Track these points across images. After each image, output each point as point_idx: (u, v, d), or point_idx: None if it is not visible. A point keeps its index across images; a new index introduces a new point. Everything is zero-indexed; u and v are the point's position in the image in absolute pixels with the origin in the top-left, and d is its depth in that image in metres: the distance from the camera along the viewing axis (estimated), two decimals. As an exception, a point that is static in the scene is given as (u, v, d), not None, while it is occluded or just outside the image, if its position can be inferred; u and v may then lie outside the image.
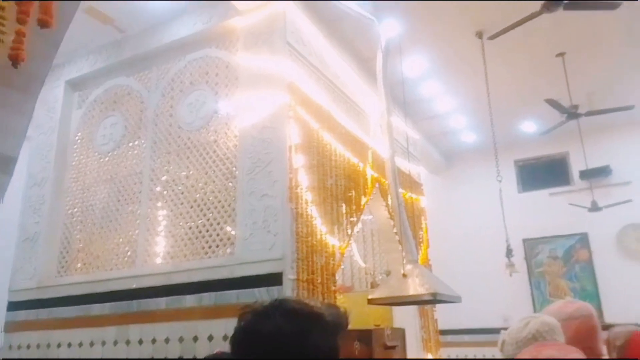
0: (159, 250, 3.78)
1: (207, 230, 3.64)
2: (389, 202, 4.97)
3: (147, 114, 4.24)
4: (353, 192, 4.38)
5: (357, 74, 4.93)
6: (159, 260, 3.75)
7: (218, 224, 3.62)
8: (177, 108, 4.08)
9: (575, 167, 6.72)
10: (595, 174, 6.38)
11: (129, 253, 3.88)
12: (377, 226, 5.57)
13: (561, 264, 6.67)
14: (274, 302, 0.99)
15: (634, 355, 1.95)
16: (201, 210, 3.71)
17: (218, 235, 3.60)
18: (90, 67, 4.63)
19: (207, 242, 3.61)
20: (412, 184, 5.81)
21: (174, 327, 3.32)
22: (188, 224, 3.73)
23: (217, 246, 3.56)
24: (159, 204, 3.93)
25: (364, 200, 4.55)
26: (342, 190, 4.19)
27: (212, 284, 3.24)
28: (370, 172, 4.75)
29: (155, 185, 3.98)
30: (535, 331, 1.36)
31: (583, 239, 6.60)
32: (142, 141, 4.18)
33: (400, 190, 4.92)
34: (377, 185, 4.88)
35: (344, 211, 4.17)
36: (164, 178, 3.96)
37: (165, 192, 3.94)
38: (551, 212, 6.67)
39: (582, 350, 1.71)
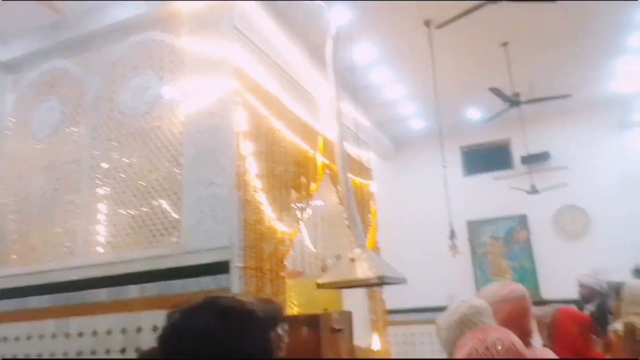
0: (100, 240, 3.66)
1: (152, 219, 3.55)
2: (339, 188, 5.03)
3: (87, 99, 4.05)
4: (303, 178, 4.39)
5: (308, 60, 4.90)
6: (100, 250, 3.63)
7: (163, 212, 3.54)
8: (120, 93, 3.92)
9: (517, 152, 7.02)
10: (535, 159, 6.69)
11: (68, 244, 3.74)
12: (328, 212, 5.62)
13: (502, 245, 7.00)
14: (204, 301, 0.97)
15: (560, 329, 2.09)
16: (145, 199, 3.61)
17: (163, 224, 3.52)
18: (25, 48, 4.36)
19: (150, 231, 3.52)
20: (362, 170, 5.89)
21: (116, 319, 3.24)
22: (131, 212, 3.63)
23: (162, 235, 3.49)
24: (100, 192, 3.79)
25: (313, 186, 4.57)
26: (291, 176, 4.18)
27: (157, 273, 3.18)
28: (320, 159, 4.77)
29: (96, 173, 3.83)
30: (463, 315, 1.42)
31: (522, 221, 6.93)
32: (82, 127, 4.00)
33: (350, 175, 4.97)
34: (327, 171, 4.91)
35: (293, 197, 4.18)
36: (105, 165, 3.81)
37: (106, 180, 3.80)
38: (494, 195, 6.96)
39: (514, 330, 1.81)
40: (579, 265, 4.64)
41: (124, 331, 3.21)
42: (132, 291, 3.29)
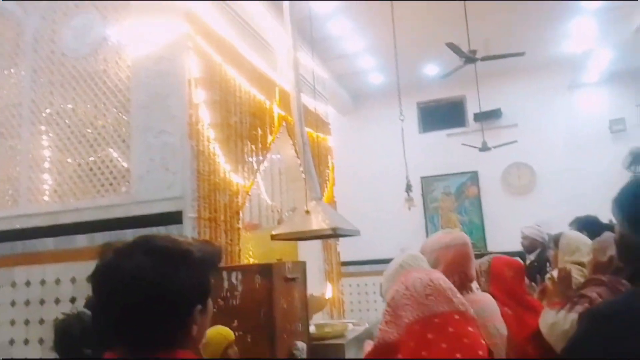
0: (45, 188, 3.50)
1: (99, 168, 3.42)
2: (296, 141, 4.99)
3: (25, 39, 3.76)
4: (259, 130, 4.32)
5: (265, 7, 4.72)
6: (45, 199, 3.48)
7: (111, 161, 3.41)
8: (60, 33, 3.65)
9: (471, 109, 7.16)
10: (487, 117, 6.85)
11: (10, 192, 3.56)
12: (285, 165, 5.61)
13: (453, 200, 7.24)
14: (137, 240, 0.95)
15: (495, 274, 2.21)
16: (91, 146, 3.46)
17: (111, 173, 3.40)
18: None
19: (99, 180, 3.40)
20: (319, 123, 5.86)
21: (65, 268, 3.16)
22: (77, 161, 3.47)
23: (111, 184, 3.37)
24: (43, 139, 3.60)
25: (270, 138, 4.51)
26: (247, 127, 4.11)
27: (106, 223, 3.10)
28: (277, 110, 4.69)
29: (38, 118, 3.62)
30: (402, 261, 1.47)
31: (473, 177, 7.17)
32: (20, 69, 3.73)
33: (307, 129, 4.94)
34: (284, 123, 4.85)
35: (249, 149, 4.12)
36: (47, 110, 3.61)
37: (50, 126, 3.60)
38: (447, 152, 7.12)
39: (456, 275, 1.90)
40: (525, 220, 4.87)
41: (73, 280, 3.14)
42: (81, 240, 3.20)
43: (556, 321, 1.96)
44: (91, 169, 3.44)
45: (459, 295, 1.21)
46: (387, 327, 1.17)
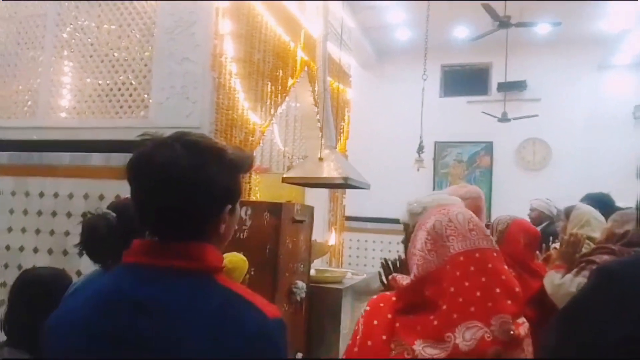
0: (63, 104, 3.51)
1: (119, 89, 3.40)
2: (316, 89, 4.93)
3: (54, -52, 3.67)
4: (280, 71, 4.26)
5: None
6: (63, 115, 3.49)
7: (131, 84, 3.39)
8: (90, -54, 3.56)
9: (495, 78, 7.01)
10: (512, 87, 6.71)
11: (29, 103, 3.56)
12: (301, 113, 5.56)
13: (464, 168, 7.21)
14: (174, 134, 0.95)
15: (509, 237, 2.19)
16: (113, 67, 3.43)
17: (131, 95, 3.38)
18: None
19: (118, 101, 3.39)
20: (341, 74, 5.76)
21: (79, 184, 3.21)
22: (98, 80, 3.46)
23: (130, 107, 3.37)
24: (65, 54, 3.57)
25: (290, 82, 4.46)
26: (269, 67, 4.05)
27: (122, 144, 3.09)
28: (300, 54, 4.60)
29: (62, 32, 3.58)
30: (432, 198, 1.47)
31: (488, 147, 7.10)
32: (47, -22, 3.66)
33: (328, 78, 4.87)
34: (306, 68, 4.77)
35: (269, 90, 4.08)
36: (71, 25, 3.56)
37: (72, 42, 3.56)
38: (465, 119, 7.02)
39: None
40: (534, 196, 4.83)
41: (86, 196, 3.19)
42: (97, 159, 3.22)
43: (563, 283, 1.99)
44: (111, 89, 3.43)
45: (490, 236, 1.22)
46: (429, 255, 1.17)
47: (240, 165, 0.99)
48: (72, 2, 3.56)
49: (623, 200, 3.68)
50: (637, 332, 0.96)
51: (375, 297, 1.27)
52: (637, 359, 0.95)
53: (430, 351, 1.06)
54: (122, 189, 3.29)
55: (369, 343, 1.14)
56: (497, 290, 1.10)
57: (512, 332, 1.07)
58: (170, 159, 0.88)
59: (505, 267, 1.16)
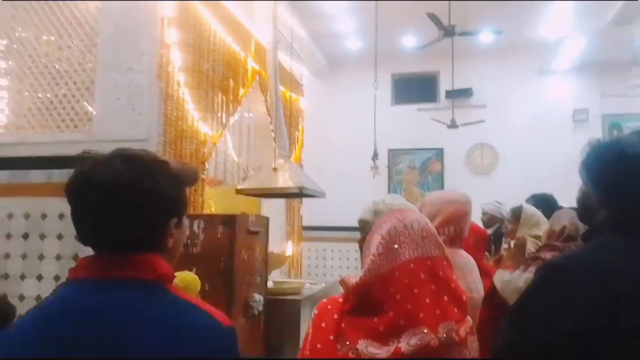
0: (0, 118, 3.32)
1: (61, 102, 3.25)
2: (268, 98, 4.91)
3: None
4: (231, 81, 4.22)
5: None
6: (0, 131, 3.30)
7: (74, 96, 3.25)
8: (26, -46, 3.41)
9: (443, 86, 7.22)
10: (459, 95, 6.92)
11: (-38, 119, 3.36)
12: (255, 122, 5.52)
13: (417, 174, 7.36)
14: (115, 150, 0.94)
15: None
16: (53, 79, 3.28)
17: (73, 108, 3.24)
18: None
19: (59, 114, 3.24)
20: (293, 83, 5.77)
21: (18, 203, 3.03)
22: (37, 93, 3.30)
23: (72, 120, 3.23)
24: (2, 66, 3.39)
25: (242, 91, 4.42)
26: (219, 77, 4.00)
27: (65, 160, 2.95)
28: (251, 63, 4.58)
29: (-3, 44, 3.40)
30: (383, 202, 1.48)
31: (439, 153, 7.29)
32: (-21, -11, 3.46)
33: (280, 87, 4.86)
34: (257, 78, 4.75)
35: (220, 100, 4.02)
36: (7, 37, 3.38)
37: (9, 54, 3.38)
38: (416, 126, 7.19)
39: (452, 227, 1.92)
40: (485, 198, 4.98)
41: (26, 215, 3.01)
42: (37, 176, 3.05)
43: (511, 279, 2.06)
44: (52, 102, 3.27)
45: (442, 244, 1.24)
46: (379, 259, 1.18)
47: (184, 178, 0.99)
48: (8, 11, 3.39)
49: (565, 201, 3.86)
50: (585, 321, 1.00)
51: (324, 300, 1.28)
52: (587, 347, 0.99)
53: (373, 350, 1.08)
54: (66, 207, 3.11)
55: (319, 346, 1.16)
56: (446, 298, 1.13)
57: (456, 339, 1.10)
58: (111, 175, 0.88)
59: (454, 275, 1.19)
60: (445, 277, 1.16)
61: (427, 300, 1.11)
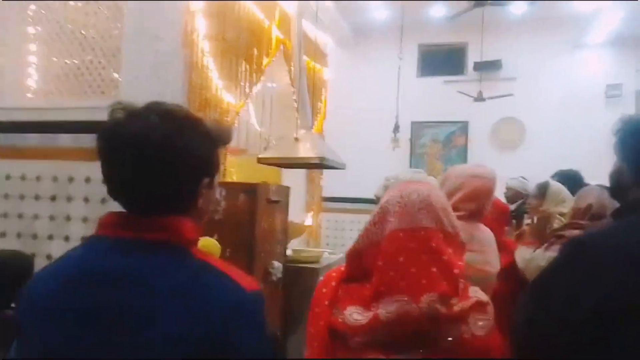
0: (29, 84, 3.38)
1: (88, 69, 3.30)
2: (292, 68, 4.87)
3: None
4: (255, 50, 4.19)
5: None
6: (29, 95, 3.37)
7: (100, 63, 3.29)
8: None
9: (471, 58, 7.02)
10: (487, 67, 6.74)
11: (-5, 84, 3.44)
12: (278, 93, 5.49)
13: (440, 148, 7.26)
14: (149, 103, 0.91)
15: None
16: (80, 45, 3.31)
17: (100, 75, 3.29)
18: None
19: (87, 81, 3.29)
20: (318, 53, 5.70)
21: (47, 166, 3.12)
22: (66, 60, 3.34)
23: (99, 86, 3.28)
24: (31, 32, 3.43)
25: (266, 60, 4.39)
26: (243, 45, 3.97)
27: (91, 125, 3.00)
28: (275, 32, 4.53)
29: (26, 10, 3.43)
30: (403, 173, 1.48)
31: (463, 127, 7.16)
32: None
33: (304, 57, 4.82)
34: (281, 47, 4.70)
35: (243, 69, 4.01)
36: (34, 5, 3.41)
37: (38, 20, 3.42)
38: (442, 99, 7.04)
39: (474, 205, 1.89)
40: (510, 174, 4.90)
41: (54, 179, 3.11)
42: (65, 140, 3.13)
43: (534, 257, 2.04)
44: (79, 69, 3.32)
45: (453, 218, 1.20)
46: (373, 227, 1.19)
47: (219, 137, 0.96)
48: (36, -23, 3.42)
49: (594, 178, 3.77)
50: (609, 300, 0.98)
51: (333, 268, 1.32)
52: (608, 328, 0.98)
53: (356, 317, 1.10)
54: (92, 170, 3.22)
55: (317, 310, 1.20)
56: (434, 269, 1.10)
57: (442, 311, 1.07)
58: (144, 129, 0.85)
59: (451, 250, 1.16)
60: (438, 249, 1.13)
61: (413, 270, 1.10)
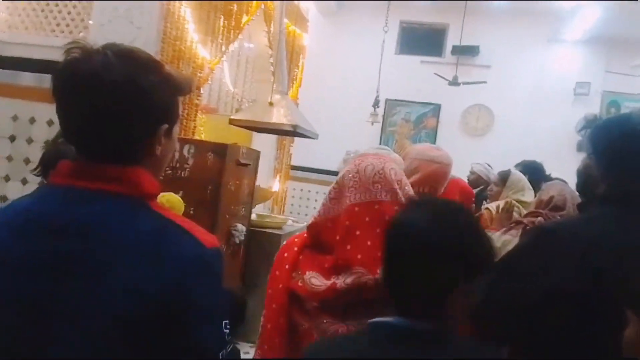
0: (-8, 14, 3.18)
1: (57, 5, 3.12)
2: (271, 30, 4.76)
3: None
4: (235, 6, 4.06)
5: None
6: (-8, 27, 3.17)
7: (70, 0, 3.11)
8: None
9: (450, 41, 7.05)
10: (465, 52, 6.79)
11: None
12: (254, 54, 5.37)
13: (411, 127, 7.33)
14: (107, 44, 0.85)
15: (446, 195, 2.24)
16: (51, -22, 3.13)
17: (69, 13, 3.12)
18: None
19: (55, 18, 3.11)
20: (299, 18, 5.59)
21: (7, 104, 2.96)
22: (33, -9, 3.15)
23: (67, 26, 3.11)
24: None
25: (245, 18, 4.26)
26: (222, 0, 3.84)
27: (57, 65, 2.88)
28: (257, -10, 4.39)
29: None
30: (366, 149, 1.49)
31: (435, 109, 7.23)
32: None
33: (285, 19, 4.70)
34: (262, 7, 4.57)
35: (221, 24, 3.89)
36: None
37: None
38: (417, 79, 7.07)
39: (427, 188, 1.92)
40: (475, 160, 5.00)
41: (15, 118, 2.96)
42: (28, 78, 2.97)
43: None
44: (48, 5, 3.13)
45: (408, 189, 1.24)
46: (330, 203, 1.22)
47: (179, 84, 0.90)
48: None
49: (555, 170, 3.91)
50: (565, 286, 1.03)
51: (295, 235, 1.36)
52: (563, 313, 1.03)
53: (315, 282, 1.16)
54: (54, 115, 3.06)
55: (277, 273, 1.26)
56: None
57: None
58: (101, 67, 0.80)
59: None
60: None
61: (368, 243, 1.14)
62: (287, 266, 1.22)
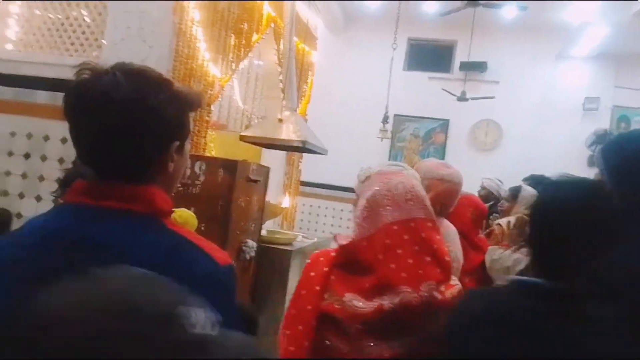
0: (9, 34, 3.24)
1: (72, 25, 3.18)
2: (281, 47, 4.81)
3: None
4: (245, 25, 4.12)
5: None
6: (9, 47, 3.24)
7: (85, 20, 3.18)
8: None
9: (459, 57, 7.09)
10: (473, 67, 6.82)
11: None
12: (264, 71, 5.43)
13: (420, 143, 7.33)
14: (116, 64, 0.86)
15: (457, 210, 2.23)
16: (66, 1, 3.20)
17: (84, 33, 3.18)
18: None
19: (69, 37, 3.18)
20: (308, 35, 5.65)
21: (22, 122, 3.01)
22: (48, 13, 3.22)
23: (81, 45, 3.17)
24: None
25: (255, 37, 4.32)
26: (234, 18, 3.90)
27: (71, 84, 2.93)
28: (267, 9, 4.46)
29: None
30: (382, 165, 1.49)
31: (444, 125, 7.24)
32: None
33: (295, 37, 4.76)
34: (272, 25, 4.63)
35: (232, 42, 3.94)
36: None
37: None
38: (425, 94, 7.10)
39: (438, 206, 1.91)
40: (483, 175, 4.99)
41: (29, 135, 3.01)
42: (42, 97, 3.02)
43: (500, 257, 2.09)
44: (62, 24, 3.20)
45: (429, 206, 1.25)
46: (364, 223, 1.22)
47: (189, 100, 0.91)
48: None
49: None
50: None
51: (317, 251, 1.32)
52: None
53: (357, 304, 1.13)
54: (68, 132, 3.10)
55: (303, 292, 1.22)
56: (428, 258, 1.16)
57: (439, 297, 1.13)
58: (110, 86, 0.81)
59: (438, 237, 1.21)
60: (428, 238, 1.18)
61: (410, 261, 1.14)
62: (317, 287, 1.19)
